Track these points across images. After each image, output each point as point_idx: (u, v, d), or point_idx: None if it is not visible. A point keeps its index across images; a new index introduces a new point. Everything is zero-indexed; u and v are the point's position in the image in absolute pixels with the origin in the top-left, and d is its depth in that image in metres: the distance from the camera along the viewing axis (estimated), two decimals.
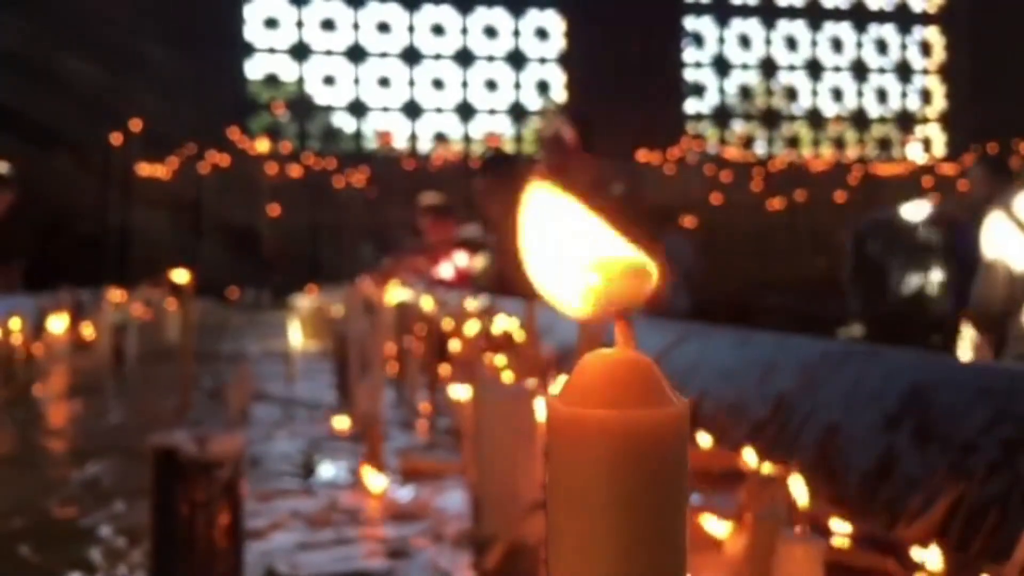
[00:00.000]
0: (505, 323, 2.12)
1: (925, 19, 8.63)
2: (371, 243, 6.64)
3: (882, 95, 8.58)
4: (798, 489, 0.75)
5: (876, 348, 1.39)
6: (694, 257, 5.02)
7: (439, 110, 7.68)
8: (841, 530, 0.87)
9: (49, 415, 1.93)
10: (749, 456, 1.08)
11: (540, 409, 1.00)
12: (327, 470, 1.37)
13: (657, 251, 0.31)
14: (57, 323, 2.52)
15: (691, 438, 1.10)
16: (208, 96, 6.72)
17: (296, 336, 2.46)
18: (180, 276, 1.82)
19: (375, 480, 1.23)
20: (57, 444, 1.66)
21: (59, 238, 6.08)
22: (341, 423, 1.63)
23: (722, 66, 8.19)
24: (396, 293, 2.80)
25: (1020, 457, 0.89)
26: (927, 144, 8.67)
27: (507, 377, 1.25)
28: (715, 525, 0.94)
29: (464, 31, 7.69)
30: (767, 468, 1.07)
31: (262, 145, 7.18)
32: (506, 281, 3.82)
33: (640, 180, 6.71)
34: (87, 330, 2.82)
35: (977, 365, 1.14)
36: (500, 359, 1.61)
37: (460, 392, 1.18)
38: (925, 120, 8.68)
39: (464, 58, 7.68)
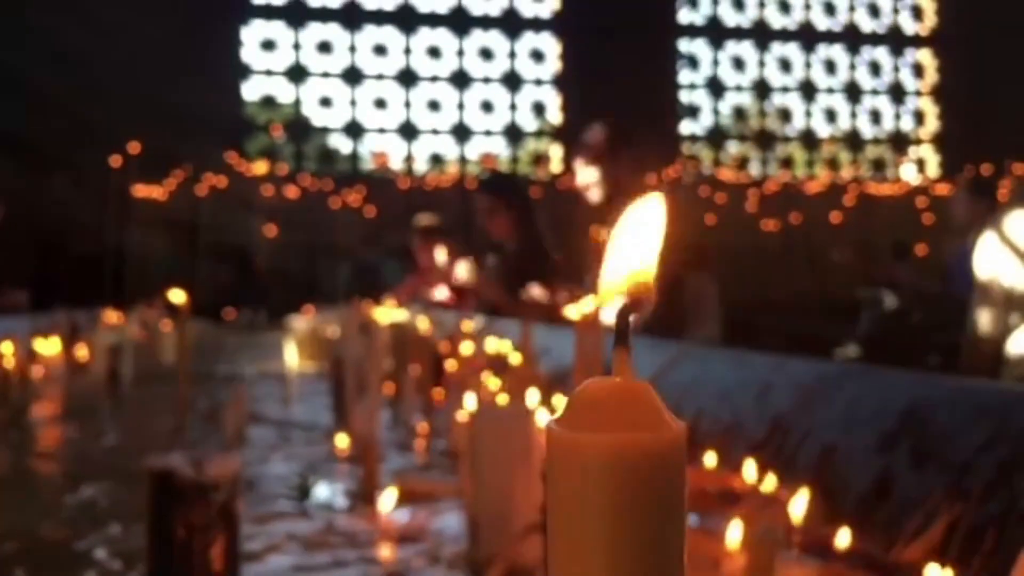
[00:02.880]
0: (500, 344, 2.12)
1: (918, 41, 8.70)
2: (349, 265, 6.65)
3: (876, 116, 8.63)
4: (796, 508, 0.75)
5: (872, 368, 1.39)
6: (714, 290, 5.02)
7: (435, 131, 7.71)
8: (841, 546, 0.87)
9: (43, 437, 1.92)
10: (749, 473, 1.08)
11: (537, 430, 1.00)
12: (323, 492, 1.37)
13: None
14: (51, 345, 2.51)
15: (691, 459, 1.09)
16: (206, 118, 6.74)
17: (292, 357, 2.45)
18: (176, 297, 1.82)
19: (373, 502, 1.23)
20: (51, 466, 1.65)
21: (57, 259, 6.08)
22: (338, 444, 1.62)
23: (716, 88, 8.24)
24: (392, 314, 2.80)
25: (1017, 477, 0.89)
26: (921, 165, 8.72)
27: (504, 398, 1.26)
28: (713, 546, 0.93)
29: (460, 53, 7.73)
30: (765, 487, 1.07)
31: (259, 166, 7.20)
32: (511, 295, 3.83)
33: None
34: (82, 351, 2.82)
35: (973, 385, 1.14)
36: (497, 380, 1.61)
37: (462, 410, 1.18)
38: (919, 141, 8.74)
39: (460, 80, 7.72)
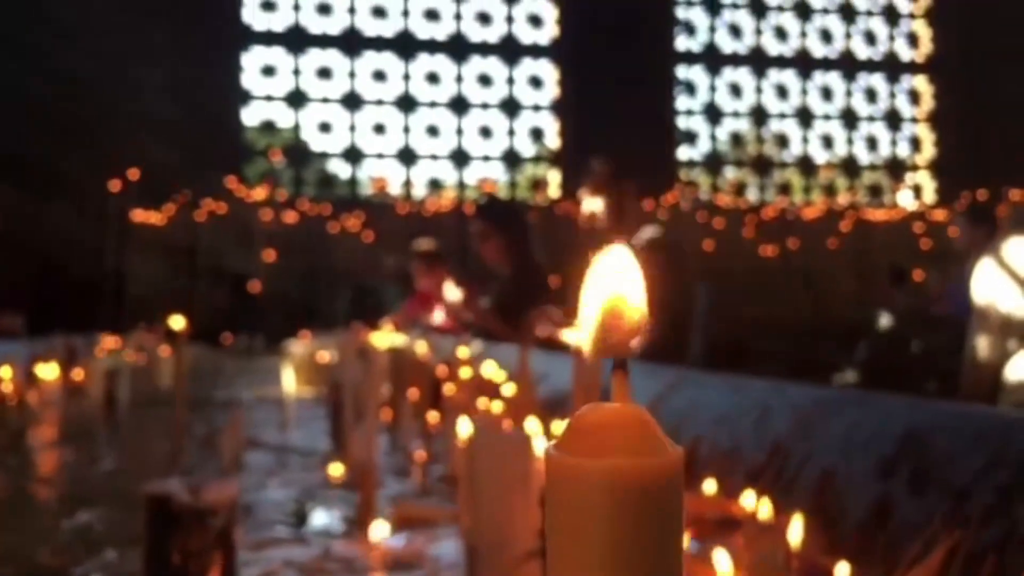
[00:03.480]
0: (498, 369, 2.11)
1: (913, 68, 8.76)
2: (348, 290, 6.66)
3: (872, 143, 8.68)
4: (794, 535, 0.75)
5: (870, 394, 1.39)
6: (707, 300, 5.04)
7: (434, 157, 7.75)
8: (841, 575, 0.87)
9: (40, 462, 1.91)
10: (748, 501, 1.08)
11: (536, 455, 1.00)
12: (320, 518, 1.36)
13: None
14: (49, 370, 2.51)
15: (689, 484, 1.09)
16: (205, 143, 6.77)
17: (290, 382, 2.45)
18: (176, 322, 1.82)
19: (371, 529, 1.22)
20: (48, 491, 1.64)
21: (56, 283, 6.08)
22: (335, 471, 1.62)
23: (714, 114, 8.29)
24: (390, 339, 2.80)
25: (1016, 503, 0.89)
26: (917, 191, 8.76)
27: (502, 423, 1.25)
28: (711, 573, 0.93)
29: (459, 79, 7.78)
30: (764, 514, 1.06)
31: (258, 192, 7.22)
32: (504, 320, 3.83)
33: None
34: (79, 376, 2.81)
35: (972, 410, 1.14)
36: (495, 405, 1.61)
37: (462, 432, 1.18)
38: (915, 167, 8.78)
39: (459, 105, 7.76)
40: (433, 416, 1.91)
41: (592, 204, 3.26)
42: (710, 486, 1.20)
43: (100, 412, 2.50)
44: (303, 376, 2.98)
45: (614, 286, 0.30)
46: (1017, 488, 0.90)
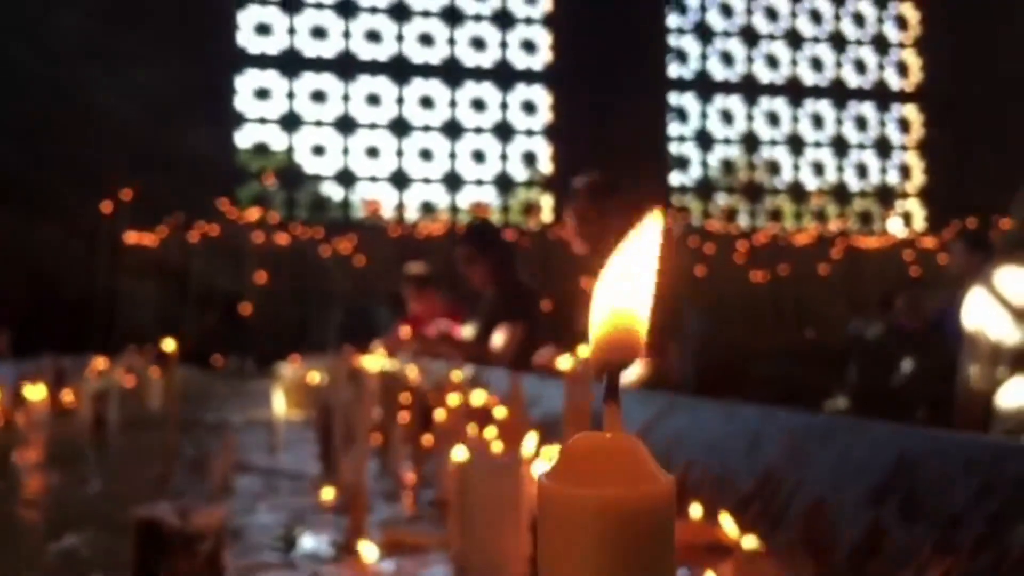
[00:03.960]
0: (489, 394, 2.11)
1: (903, 97, 8.84)
2: (340, 313, 6.65)
3: (862, 170, 8.74)
4: (784, 561, 0.75)
5: (861, 421, 1.40)
6: (701, 325, 5.04)
7: (427, 180, 7.77)
8: None
9: (27, 484, 1.89)
10: (728, 526, 1.08)
11: (526, 480, 1.00)
12: (309, 543, 1.35)
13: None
14: (37, 391, 2.49)
15: (680, 511, 1.09)
16: (198, 165, 6.77)
17: (280, 405, 2.44)
18: (166, 344, 1.81)
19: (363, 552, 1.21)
20: (34, 514, 1.63)
21: (46, 304, 6.05)
22: (325, 494, 1.61)
23: (705, 140, 8.35)
24: (380, 362, 2.80)
25: (1007, 531, 0.89)
26: (907, 218, 8.81)
27: (493, 448, 1.25)
28: None
29: (453, 103, 7.82)
30: (752, 541, 1.06)
31: (251, 214, 7.22)
32: (487, 341, 3.83)
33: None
34: (68, 397, 2.80)
35: (962, 438, 1.14)
36: (486, 430, 1.60)
37: (455, 456, 1.18)
38: (905, 195, 8.84)
39: (452, 130, 7.80)
40: (424, 440, 1.90)
41: (573, 226, 3.27)
42: (700, 513, 1.20)
43: (89, 434, 2.49)
44: (293, 399, 2.97)
45: (617, 301, 0.30)
46: (1008, 516, 0.90)
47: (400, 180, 7.71)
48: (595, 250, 3.20)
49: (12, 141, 6.28)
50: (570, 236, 3.31)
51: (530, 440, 1.15)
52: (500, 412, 1.73)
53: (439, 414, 1.94)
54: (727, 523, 1.08)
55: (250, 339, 6.33)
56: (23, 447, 2.24)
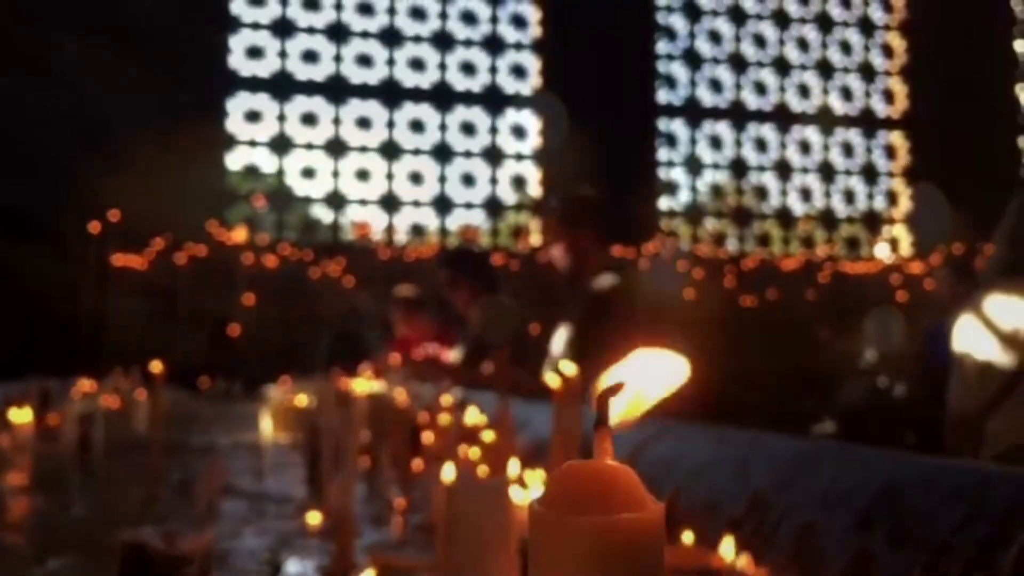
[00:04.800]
0: (478, 416, 2.11)
1: (889, 124, 8.93)
2: (329, 335, 6.63)
3: (849, 196, 8.80)
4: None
5: (849, 446, 1.40)
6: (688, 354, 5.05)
7: (416, 203, 7.78)
8: None
9: (10, 508, 1.88)
10: (727, 550, 1.08)
11: (515, 504, 1.00)
12: (295, 567, 1.34)
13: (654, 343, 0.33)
14: (23, 414, 2.47)
15: (669, 536, 1.08)
16: (188, 187, 6.77)
17: (267, 428, 2.43)
18: (154, 366, 1.80)
19: None
20: (18, 538, 1.61)
21: (33, 326, 6.01)
22: (312, 519, 1.60)
23: (694, 166, 8.40)
24: (369, 385, 2.78)
25: (995, 557, 0.89)
26: (894, 244, 8.87)
27: (482, 471, 1.25)
28: None
29: (443, 127, 7.85)
30: (741, 565, 1.06)
31: (239, 236, 7.21)
32: (473, 364, 3.83)
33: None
34: (53, 419, 2.77)
35: (950, 463, 1.15)
36: (474, 453, 1.60)
37: (442, 478, 1.17)
38: (891, 221, 8.90)
39: (442, 153, 7.82)
40: (415, 465, 1.89)
41: (551, 246, 3.29)
42: (689, 538, 1.19)
43: (74, 457, 2.46)
44: (281, 422, 2.96)
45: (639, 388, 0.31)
46: (996, 542, 0.90)
47: (390, 203, 7.72)
48: (571, 266, 3.21)
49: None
50: (550, 253, 3.33)
51: (517, 464, 1.15)
52: (488, 435, 1.72)
53: (427, 437, 1.93)
54: (726, 547, 1.08)
55: (238, 361, 6.30)
56: (7, 471, 2.22)
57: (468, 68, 7.96)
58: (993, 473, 1.08)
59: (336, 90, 7.67)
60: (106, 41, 6.57)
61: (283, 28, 7.64)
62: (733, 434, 1.57)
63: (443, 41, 7.96)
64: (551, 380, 1.31)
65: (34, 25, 6.53)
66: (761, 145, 8.59)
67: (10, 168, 6.28)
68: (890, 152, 8.92)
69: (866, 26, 9.02)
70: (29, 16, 6.57)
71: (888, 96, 8.96)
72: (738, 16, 8.70)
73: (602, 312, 3.09)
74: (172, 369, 1.94)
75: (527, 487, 1.03)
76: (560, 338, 3.30)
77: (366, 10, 7.83)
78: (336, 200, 7.65)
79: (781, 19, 8.82)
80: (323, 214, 7.81)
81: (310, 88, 7.62)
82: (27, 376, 3.25)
